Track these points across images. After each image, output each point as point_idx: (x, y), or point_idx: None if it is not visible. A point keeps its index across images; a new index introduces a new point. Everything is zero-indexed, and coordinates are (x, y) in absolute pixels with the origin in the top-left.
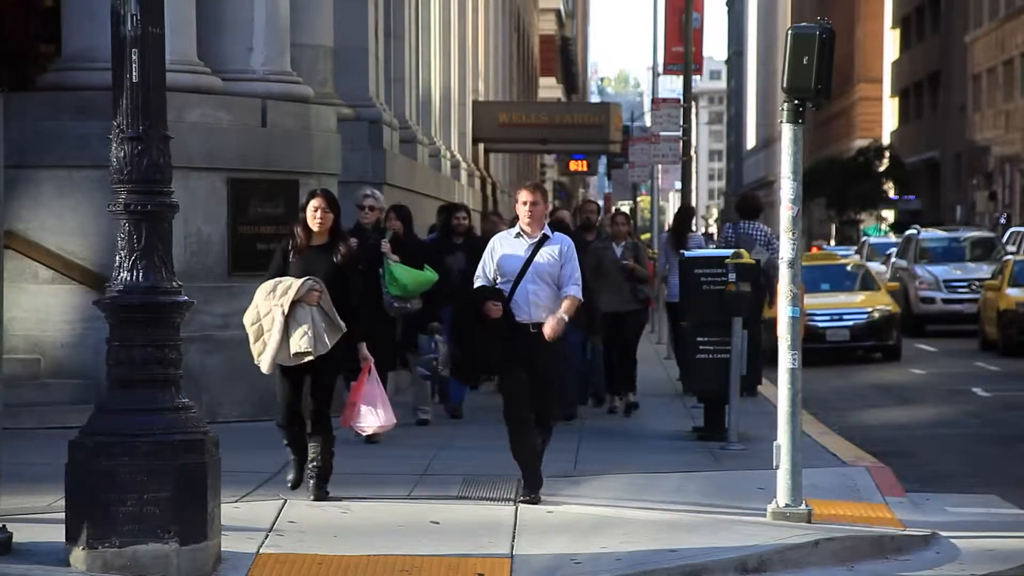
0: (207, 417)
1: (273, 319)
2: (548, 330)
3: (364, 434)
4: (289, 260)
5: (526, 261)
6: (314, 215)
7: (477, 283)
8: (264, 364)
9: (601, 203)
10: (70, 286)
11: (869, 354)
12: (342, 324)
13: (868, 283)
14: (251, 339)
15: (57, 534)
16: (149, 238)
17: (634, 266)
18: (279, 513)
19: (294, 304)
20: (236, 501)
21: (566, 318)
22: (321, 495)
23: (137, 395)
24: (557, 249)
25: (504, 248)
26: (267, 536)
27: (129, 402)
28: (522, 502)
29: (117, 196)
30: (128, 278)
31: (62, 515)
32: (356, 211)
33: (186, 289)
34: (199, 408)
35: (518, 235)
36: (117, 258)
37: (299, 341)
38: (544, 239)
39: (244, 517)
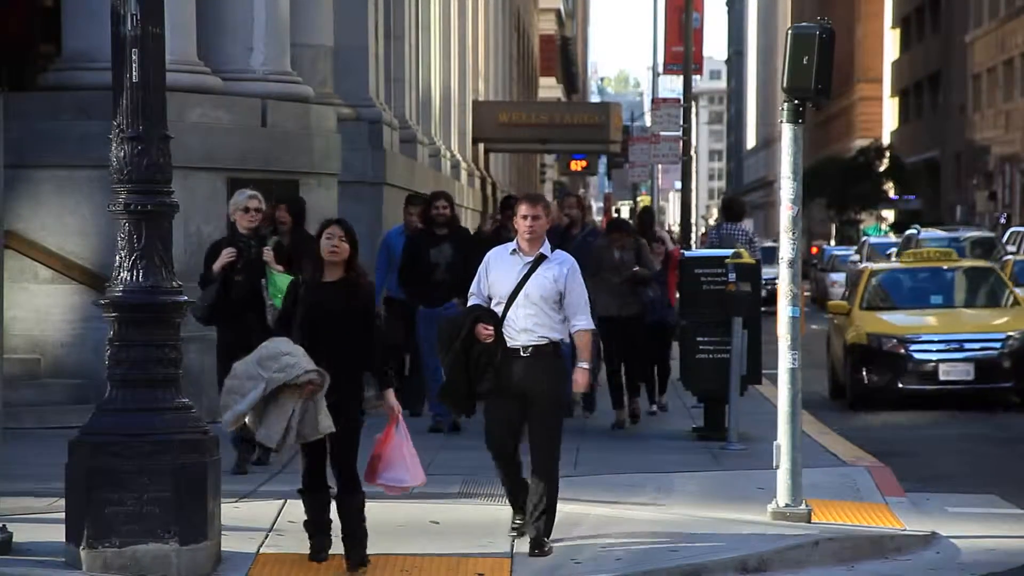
0: (207, 417)
1: (254, 387)
2: (577, 387)
3: (391, 493)
4: (299, 298)
5: (519, 283)
6: (329, 243)
7: (471, 301)
8: (225, 423)
9: (601, 204)
10: (70, 286)
11: (1004, 396)
12: (327, 424)
13: (1000, 295)
14: (226, 387)
15: (57, 534)
16: (149, 238)
17: (637, 269)
18: (279, 513)
19: (285, 387)
20: (236, 501)
21: (587, 367)
22: (363, 561)
23: (137, 395)
24: (555, 272)
25: (498, 265)
26: (267, 536)
27: (129, 402)
28: (533, 555)
29: (117, 196)
30: (128, 278)
31: (62, 515)
32: (234, 215)
33: (186, 289)
34: (199, 408)
35: (514, 251)
36: (117, 258)
37: (267, 432)
38: (541, 259)
39: (244, 517)
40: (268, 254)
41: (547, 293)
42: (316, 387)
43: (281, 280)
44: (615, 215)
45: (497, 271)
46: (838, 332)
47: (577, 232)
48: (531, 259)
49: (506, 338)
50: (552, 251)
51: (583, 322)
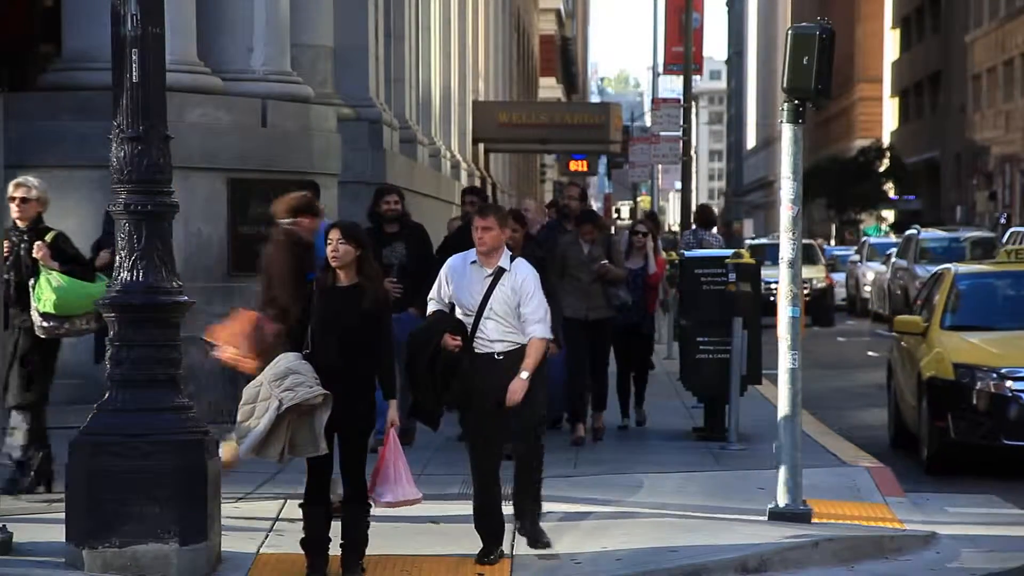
0: (207, 417)
1: (267, 408)
2: (510, 395)
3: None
4: (312, 303)
5: (484, 296)
6: (330, 248)
7: (431, 307)
8: (241, 450)
9: (601, 204)
10: None
11: None
12: (321, 446)
13: None
14: (239, 417)
15: (57, 534)
16: (149, 238)
17: (608, 267)
18: (279, 513)
19: (292, 408)
20: (236, 501)
21: (525, 377)
22: (360, 568)
23: (137, 395)
24: (513, 283)
25: (458, 276)
26: (267, 536)
27: (129, 402)
28: (537, 547)
29: (117, 196)
30: (128, 278)
31: (62, 515)
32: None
33: (186, 289)
34: (199, 408)
35: (473, 262)
36: (117, 258)
37: (267, 450)
38: (501, 272)
39: (244, 517)
40: (40, 249)
41: (511, 305)
42: (315, 406)
43: (50, 280)
44: (614, 214)
45: (458, 282)
46: (909, 359)
47: (572, 227)
48: (491, 272)
49: (478, 347)
50: (513, 260)
51: (536, 330)
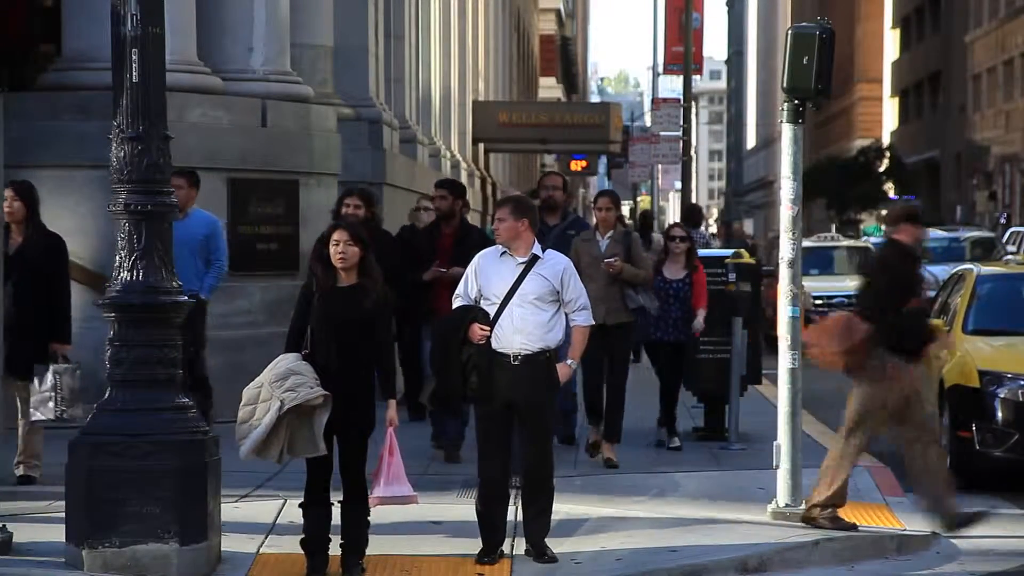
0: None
1: (268, 409)
2: (562, 378)
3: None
4: (312, 304)
5: (514, 284)
6: (336, 250)
7: (457, 303)
8: (242, 451)
9: None
10: None
11: None
12: (320, 447)
13: None
14: (239, 418)
15: (57, 534)
16: (149, 238)
17: (622, 265)
18: (279, 513)
19: (292, 409)
20: (236, 501)
21: (574, 365)
22: (360, 568)
23: (137, 395)
24: (549, 271)
25: (489, 268)
26: (267, 536)
27: (129, 402)
28: (541, 560)
29: (117, 196)
30: (128, 278)
31: (62, 515)
32: None
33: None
34: (199, 408)
35: (504, 253)
36: (117, 258)
37: (267, 450)
38: (534, 259)
39: (244, 517)
40: None
41: (541, 293)
42: (317, 407)
43: None
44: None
45: (488, 272)
46: (927, 363)
47: (556, 224)
48: (524, 260)
49: (496, 341)
50: (544, 251)
51: (581, 318)
